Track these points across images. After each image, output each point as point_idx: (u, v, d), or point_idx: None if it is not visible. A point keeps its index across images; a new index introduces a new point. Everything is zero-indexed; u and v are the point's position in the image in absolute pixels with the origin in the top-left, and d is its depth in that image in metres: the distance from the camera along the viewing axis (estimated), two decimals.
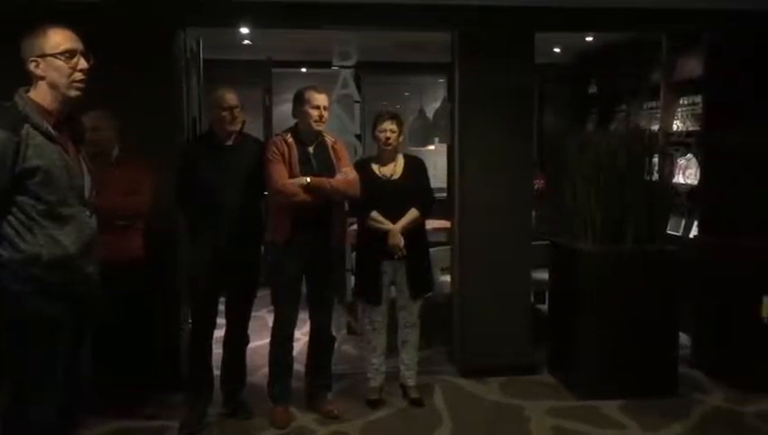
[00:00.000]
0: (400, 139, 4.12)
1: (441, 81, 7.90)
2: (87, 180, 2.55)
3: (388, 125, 4.05)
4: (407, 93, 8.28)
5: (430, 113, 7.96)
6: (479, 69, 4.53)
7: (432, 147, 7.54)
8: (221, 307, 3.90)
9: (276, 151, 3.73)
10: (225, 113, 3.69)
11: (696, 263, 4.66)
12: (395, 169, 4.10)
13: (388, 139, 4.04)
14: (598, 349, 4.24)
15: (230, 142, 3.76)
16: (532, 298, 5.14)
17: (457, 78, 4.60)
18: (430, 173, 4.27)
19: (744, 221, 4.42)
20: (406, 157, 4.19)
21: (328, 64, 5.52)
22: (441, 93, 7.98)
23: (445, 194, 5.01)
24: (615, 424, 3.90)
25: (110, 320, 3.59)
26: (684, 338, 4.67)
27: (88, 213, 2.53)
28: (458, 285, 4.71)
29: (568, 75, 7.70)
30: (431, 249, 4.47)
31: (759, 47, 4.76)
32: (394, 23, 4.54)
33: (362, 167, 4.05)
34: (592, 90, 7.40)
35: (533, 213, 5.17)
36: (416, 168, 4.15)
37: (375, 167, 4.10)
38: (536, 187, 6.20)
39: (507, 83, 4.54)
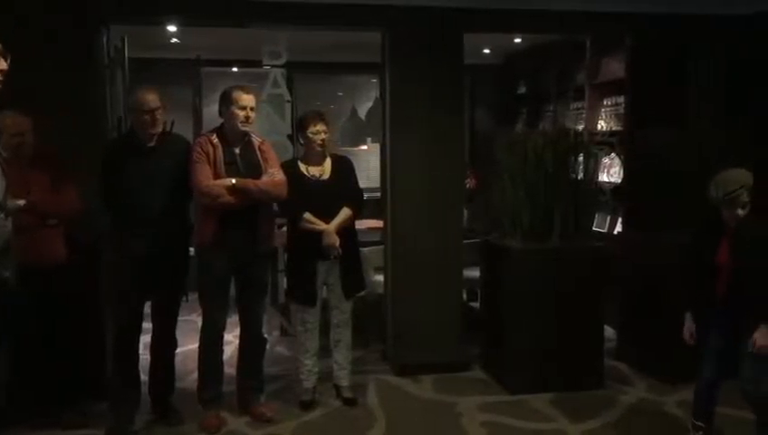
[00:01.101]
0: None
1: (374, 80, 7.90)
2: (1, 184, 2.45)
3: (322, 126, 4.01)
4: (339, 93, 8.25)
5: (363, 113, 7.99)
6: (409, 69, 4.57)
7: (365, 146, 7.56)
8: (147, 311, 3.80)
9: (201, 152, 3.65)
10: (146, 117, 3.58)
11: (620, 258, 4.81)
12: (323, 169, 4.08)
13: (323, 140, 4.02)
14: (527, 344, 4.32)
15: (152, 143, 3.66)
16: (465, 296, 5.21)
17: (388, 78, 4.62)
18: (363, 173, 4.27)
19: (665, 217, 4.57)
20: (333, 157, 4.17)
21: (259, 64, 5.48)
22: (374, 93, 7.99)
23: (379, 194, 5.02)
24: (544, 417, 3.98)
25: (31, 325, 3.50)
26: (609, 332, 4.82)
27: (2, 216, 2.43)
28: (391, 284, 4.73)
29: (497, 76, 7.83)
30: (365, 249, 4.47)
31: (677, 49, 4.94)
32: (323, 22, 4.52)
33: (290, 167, 4.00)
34: (521, 90, 7.55)
35: (465, 212, 5.25)
36: (344, 167, 4.14)
37: (303, 167, 4.06)
38: (468, 185, 6.29)
39: (437, 83, 4.58)
